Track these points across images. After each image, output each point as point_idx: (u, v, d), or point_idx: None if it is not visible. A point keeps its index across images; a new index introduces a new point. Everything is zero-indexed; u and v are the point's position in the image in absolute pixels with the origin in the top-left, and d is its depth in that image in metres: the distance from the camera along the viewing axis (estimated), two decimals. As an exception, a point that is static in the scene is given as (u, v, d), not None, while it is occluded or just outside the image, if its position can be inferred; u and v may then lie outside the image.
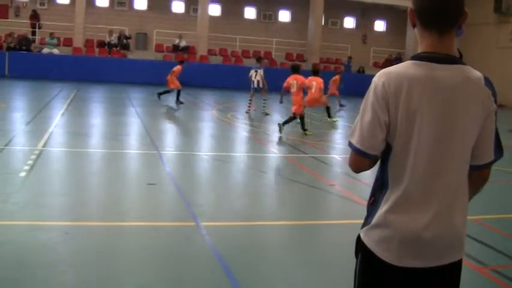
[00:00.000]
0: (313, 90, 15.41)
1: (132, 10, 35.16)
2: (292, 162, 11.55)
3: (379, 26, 40.13)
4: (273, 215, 7.81)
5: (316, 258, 6.05)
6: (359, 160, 2.60)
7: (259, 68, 20.26)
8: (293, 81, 14.96)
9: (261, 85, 19.85)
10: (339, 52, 37.62)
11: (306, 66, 34.92)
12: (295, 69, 15.55)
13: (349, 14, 39.56)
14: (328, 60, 36.87)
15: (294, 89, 14.84)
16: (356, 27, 40.01)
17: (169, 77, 21.25)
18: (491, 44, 35.99)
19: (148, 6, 35.25)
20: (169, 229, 6.68)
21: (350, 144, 2.59)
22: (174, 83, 21.19)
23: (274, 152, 12.94)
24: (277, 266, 5.67)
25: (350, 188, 9.09)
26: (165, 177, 9.22)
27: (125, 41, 32.58)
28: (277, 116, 18.12)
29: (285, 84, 15.10)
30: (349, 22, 40.09)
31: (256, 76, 19.94)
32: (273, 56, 35.73)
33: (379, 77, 2.53)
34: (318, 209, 8.31)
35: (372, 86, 2.54)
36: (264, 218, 7.53)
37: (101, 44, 32.23)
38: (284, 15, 38.17)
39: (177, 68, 21.52)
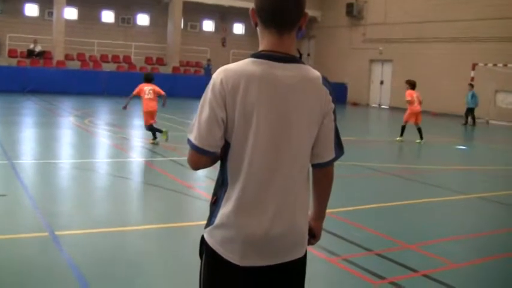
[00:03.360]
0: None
1: (-19, 14, 33.45)
2: (152, 167, 11.56)
3: (238, 28, 40.73)
4: (133, 221, 7.78)
5: (177, 262, 6.09)
6: (197, 157, 2.57)
7: None
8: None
9: None
10: (199, 55, 37.82)
11: (165, 70, 34.92)
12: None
13: (208, 17, 39.85)
14: (188, 63, 36.97)
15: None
16: (215, 30, 40.39)
17: None
18: (345, 45, 37.67)
19: (-1, 9, 33.70)
20: (21, 241, 6.43)
21: (188, 141, 2.56)
22: None
23: (133, 157, 12.87)
24: (137, 273, 5.64)
25: (208, 189, 9.17)
26: (18, 187, 8.89)
27: (-26, 46, 30.95)
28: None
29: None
30: (208, 25, 40.40)
31: None
32: (133, 60, 35.34)
33: (218, 74, 2.52)
34: (177, 212, 8.36)
35: (211, 82, 2.53)
36: (123, 223, 7.46)
37: None
38: (143, 19, 37.80)
39: None
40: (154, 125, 14.14)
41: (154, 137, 14.19)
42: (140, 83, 14.17)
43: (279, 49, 2.55)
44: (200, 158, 2.57)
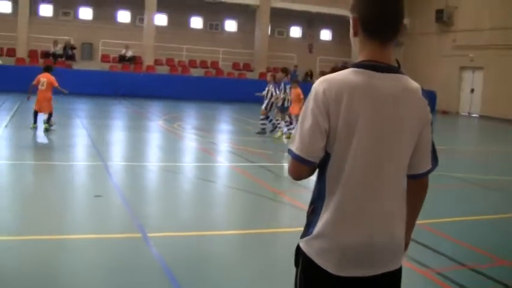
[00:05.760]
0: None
1: (77, 20, 34.56)
2: (240, 172, 11.63)
3: (325, 35, 40.58)
4: (221, 225, 7.86)
5: (265, 267, 6.09)
6: (299, 167, 2.55)
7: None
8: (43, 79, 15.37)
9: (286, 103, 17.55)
10: (286, 61, 37.84)
11: (252, 76, 35.18)
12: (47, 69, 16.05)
13: (295, 23, 39.88)
14: (275, 69, 37.02)
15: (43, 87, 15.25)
16: (302, 37, 40.37)
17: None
18: (435, 53, 36.81)
19: (94, 16, 34.85)
20: (116, 241, 6.64)
21: (290, 151, 2.53)
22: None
23: (221, 162, 13.00)
24: (225, 277, 5.71)
25: (297, 196, 9.19)
26: (112, 188, 9.19)
27: (70, 51, 31.97)
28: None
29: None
30: (296, 31, 40.43)
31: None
32: (220, 66, 35.80)
33: (320, 84, 2.50)
34: (266, 218, 8.35)
35: (313, 92, 2.50)
36: (212, 227, 7.56)
37: (46, 55, 31.43)
38: (230, 25, 38.26)
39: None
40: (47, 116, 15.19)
41: (35, 122, 15.34)
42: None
43: (381, 59, 2.53)
44: (302, 168, 2.55)
